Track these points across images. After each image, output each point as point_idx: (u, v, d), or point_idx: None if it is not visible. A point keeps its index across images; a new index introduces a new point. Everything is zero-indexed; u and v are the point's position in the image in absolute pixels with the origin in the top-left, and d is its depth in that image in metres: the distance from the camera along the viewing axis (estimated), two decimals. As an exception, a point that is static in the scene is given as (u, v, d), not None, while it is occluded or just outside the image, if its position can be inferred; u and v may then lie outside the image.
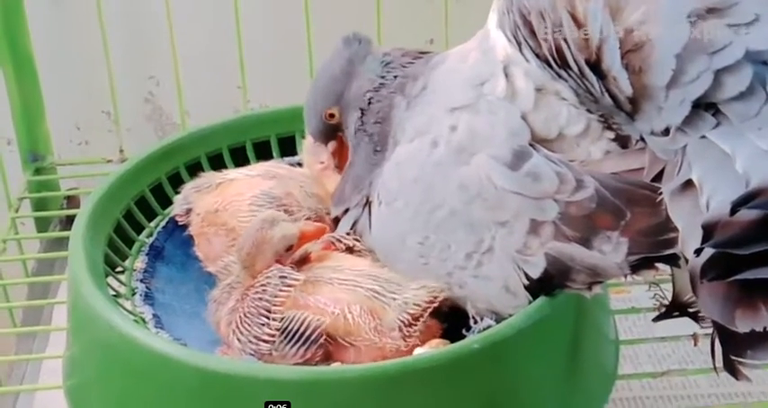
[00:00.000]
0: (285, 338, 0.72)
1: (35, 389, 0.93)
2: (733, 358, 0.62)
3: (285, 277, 0.74)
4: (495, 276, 0.72)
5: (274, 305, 0.73)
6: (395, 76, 0.78)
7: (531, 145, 0.70)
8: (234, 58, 1.16)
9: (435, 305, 0.72)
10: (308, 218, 0.83)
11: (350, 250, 0.79)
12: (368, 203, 0.78)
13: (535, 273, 0.70)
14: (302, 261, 0.77)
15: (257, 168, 0.88)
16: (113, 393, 0.74)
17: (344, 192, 0.80)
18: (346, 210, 0.80)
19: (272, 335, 0.72)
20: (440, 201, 0.72)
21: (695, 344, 0.88)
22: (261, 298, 0.73)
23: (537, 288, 0.71)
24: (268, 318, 0.72)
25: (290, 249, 0.76)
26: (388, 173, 0.76)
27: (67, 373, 0.80)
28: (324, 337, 0.72)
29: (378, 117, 0.78)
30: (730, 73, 0.64)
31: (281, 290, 0.73)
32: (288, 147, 0.94)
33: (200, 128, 0.94)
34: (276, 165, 0.88)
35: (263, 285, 0.74)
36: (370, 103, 0.78)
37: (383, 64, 0.79)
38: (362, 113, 0.78)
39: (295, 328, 0.72)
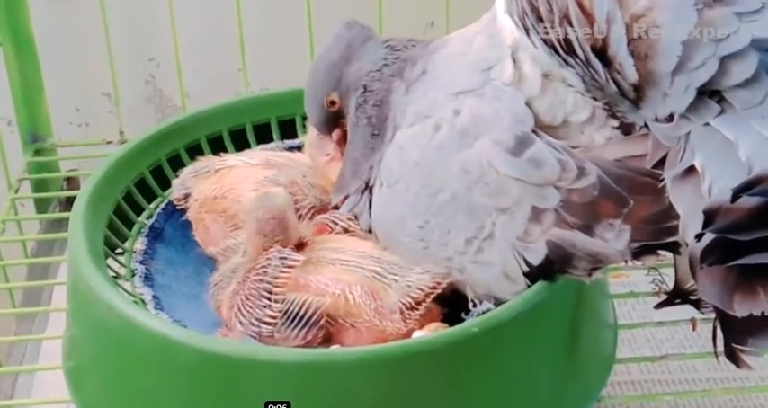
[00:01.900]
0: (286, 320, 0.72)
1: (35, 370, 0.94)
2: (734, 345, 0.63)
3: (285, 258, 0.74)
4: (495, 262, 0.72)
5: (276, 286, 0.73)
6: (397, 58, 0.78)
7: (534, 131, 0.70)
8: (234, 41, 1.16)
9: (438, 291, 0.72)
10: (313, 207, 0.83)
11: (346, 231, 0.79)
12: (368, 188, 0.78)
13: (536, 260, 0.70)
14: (300, 245, 0.77)
15: (257, 156, 0.87)
16: (113, 373, 0.74)
17: (345, 177, 0.80)
18: (346, 197, 0.80)
19: (274, 317, 0.72)
20: (441, 185, 0.72)
21: (693, 329, 0.88)
22: (262, 280, 0.73)
23: (537, 274, 0.71)
24: (269, 300, 0.73)
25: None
26: (390, 157, 0.76)
27: (67, 354, 0.80)
28: (324, 318, 0.72)
29: (376, 99, 0.77)
30: (736, 60, 0.63)
31: (281, 272, 0.73)
32: (288, 130, 0.94)
33: (201, 110, 0.94)
34: (275, 154, 0.88)
35: (263, 267, 0.74)
36: (372, 81, 0.78)
37: (387, 47, 0.78)
38: (365, 90, 0.78)
39: (295, 310, 0.72)
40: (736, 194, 0.59)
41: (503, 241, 0.71)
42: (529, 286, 0.71)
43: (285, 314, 0.72)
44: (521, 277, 0.71)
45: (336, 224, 0.79)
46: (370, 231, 0.78)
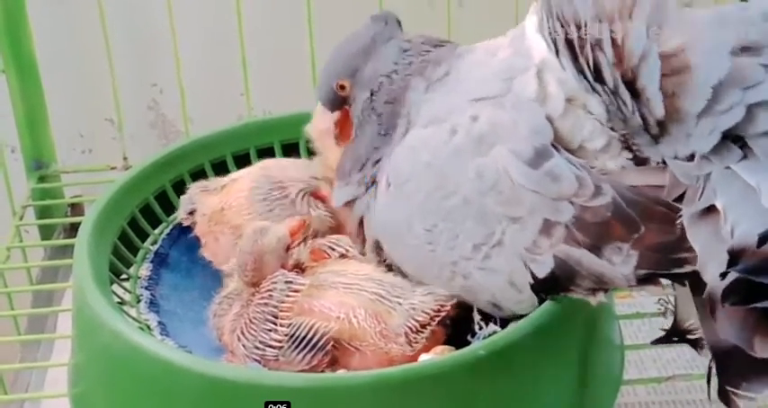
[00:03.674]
0: (292, 344, 0.72)
1: (40, 397, 0.94)
2: (728, 388, 0.64)
3: (291, 282, 0.74)
4: (502, 270, 0.72)
5: (281, 310, 0.73)
6: (409, 63, 0.78)
7: (553, 145, 0.70)
8: (237, 65, 1.16)
9: (443, 314, 0.72)
10: (301, 191, 0.84)
11: (343, 257, 0.79)
12: (373, 183, 0.78)
13: (541, 273, 0.70)
14: (299, 269, 0.77)
15: (258, 164, 0.89)
16: (119, 400, 0.74)
17: (345, 168, 0.80)
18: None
19: (280, 341, 0.72)
20: (453, 189, 0.72)
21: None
22: (267, 304, 0.73)
23: (541, 287, 0.71)
24: (275, 324, 0.72)
25: (288, 249, 0.76)
26: (400, 155, 0.76)
27: (73, 381, 0.80)
28: (331, 344, 0.72)
29: (389, 97, 0.78)
30: (762, 108, 0.64)
31: (287, 296, 0.73)
32: (292, 154, 0.94)
33: (204, 135, 0.94)
34: (277, 160, 0.90)
35: (268, 291, 0.74)
36: (381, 86, 0.78)
37: (401, 50, 0.79)
38: (372, 94, 0.78)
39: (302, 334, 0.72)
40: (763, 240, 0.61)
41: (511, 250, 0.71)
42: (533, 297, 0.71)
43: (291, 337, 0.72)
44: (527, 286, 0.71)
45: (334, 249, 0.79)
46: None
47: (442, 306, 0.73)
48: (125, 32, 1.26)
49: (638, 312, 0.94)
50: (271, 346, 0.72)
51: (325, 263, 0.78)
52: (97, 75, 1.21)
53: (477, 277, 0.73)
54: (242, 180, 0.86)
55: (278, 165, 0.88)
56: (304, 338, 0.72)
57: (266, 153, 0.94)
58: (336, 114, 0.82)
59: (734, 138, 0.66)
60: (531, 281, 0.71)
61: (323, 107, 0.83)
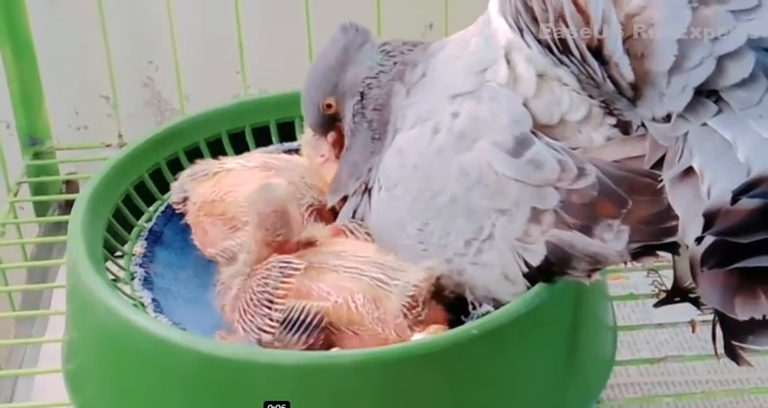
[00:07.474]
0: (286, 327, 0.72)
1: (34, 373, 0.94)
2: (734, 343, 0.63)
3: (285, 267, 0.73)
4: (495, 263, 0.72)
5: (276, 296, 0.72)
6: (394, 63, 0.78)
7: (532, 132, 0.70)
8: (233, 43, 1.16)
9: (432, 281, 0.72)
10: (311, 206, 0.83)
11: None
12: (367, 190, 0.78)
13: (535, 261, 0.70)
14: (307, 245, 0.76)
15: (255, 159, 0.87)
16: (112, 377, 0.74)
17: (341, 179, 0.80)
18: (345, 199, 0.80)
19: (274, 326, 0.72)
20: (440, 188, 0.72)
21: (693, 331, 0.88)
22: (263, 291, 0.73)
23: (537, 275, 0.71)
24: (270, 309, 0.72)
25: None
26: (389, 160, 0.76)
27: (66, 357, 0.80)
28: (325, 321, 0.71)
29: (377, 104, 0.77)
30: (732, 59, 0.63)
31: (282, 282, 0.73)
32: (287, 133, 0.94)
33: (199, 113, 0.94)
34: (273, 156, 0.88)
35: (264, 277, 0.73)
36: (370, 89, 0.78)
37: (383, 52, 0.78)
38: (362, 97, 0.78)
39: (296, 317, 0.71)
40: (736, 196, 0.59)
41: (502, 242, 0.71)
42: (528, 287, 0.71)
43: (285, 321, 0.72)
44: (520, 278, 0.71)
45: (353, 233, 0.78)
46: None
47: (432, 276, 0.72)
48: (121, 9, 1.26)
49: (632, 293, 0.94)
50: (266, 331, 0.72)
51: (327, 242, 0.77)
52: (93, 52, 1.21)
53: (471, 272, 0.72)
54: (236, 174, 0.85)
55: (279, 172, 0.84)
56: (297, 320, 0.71)
57: (261, 131, 0.94)
58: (332, 135, 0.82)
59: (708, 93, 0.65)
60: (526, 270, 0.70)
61: (313, 137, 0.83)
